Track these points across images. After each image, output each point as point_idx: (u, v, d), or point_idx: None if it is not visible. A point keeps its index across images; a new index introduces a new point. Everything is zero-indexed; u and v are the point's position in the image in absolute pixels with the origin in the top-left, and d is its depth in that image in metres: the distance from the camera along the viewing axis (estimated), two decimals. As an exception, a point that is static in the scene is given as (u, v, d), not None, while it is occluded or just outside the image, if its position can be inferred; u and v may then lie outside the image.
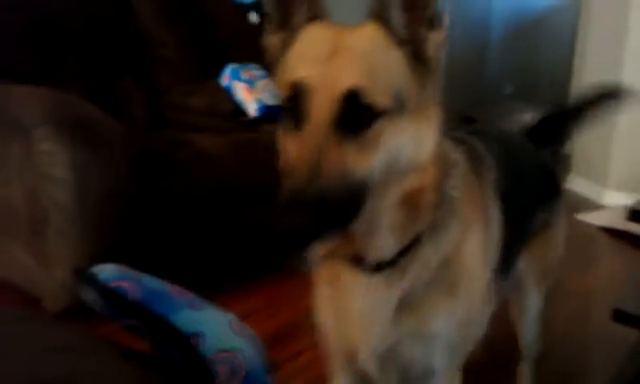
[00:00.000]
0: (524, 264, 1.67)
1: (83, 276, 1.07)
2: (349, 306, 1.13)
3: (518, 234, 1.48)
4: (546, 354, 2.41)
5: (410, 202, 1.01)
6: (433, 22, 0.98)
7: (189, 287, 1.18)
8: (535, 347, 1.96)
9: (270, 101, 3.40)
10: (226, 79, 3.51)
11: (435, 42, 0.99)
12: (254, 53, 3.98)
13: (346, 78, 0.91)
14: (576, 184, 5.23)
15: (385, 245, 1.03)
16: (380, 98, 0.91)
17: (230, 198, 2.81)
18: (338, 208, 0.88)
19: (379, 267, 1.06)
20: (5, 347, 0.84)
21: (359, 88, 0.90)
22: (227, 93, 3.45)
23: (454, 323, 1.12)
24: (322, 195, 0.86)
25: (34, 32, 2.98)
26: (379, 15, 0.97)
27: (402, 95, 0.94)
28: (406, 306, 1.09)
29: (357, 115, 0.90)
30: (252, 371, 1.01)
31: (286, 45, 1.03)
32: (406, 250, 1.05)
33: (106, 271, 1.08)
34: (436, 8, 0.98)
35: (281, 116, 0.98)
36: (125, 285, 1.04)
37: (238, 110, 3.38)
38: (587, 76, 5.31)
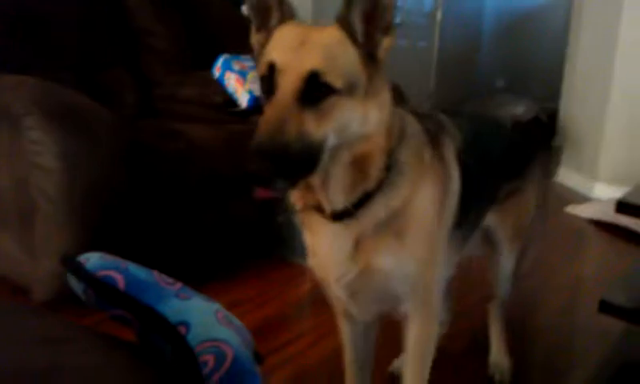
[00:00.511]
0: (496, 224, 1.95)
1: (70, 264, 1.07)
2: (320, 246, 1.42)
3: (482, 197, 1.77)
4: (533, 345, 2.44)
5: (358, 164, 1.27)
6: (387, 31, 1.24)
7: (178, 277, 1.18)
8: (507, 292, 2.16)
9: (260, 92, 3.39)
10: (218, 70, 3.50)
11: (386, 46, 1.25)
12: (245, 44, 3.98)
13: (309, 61, 1.16)
14: (566, 177, 5.26)
15: (336, 197, 1.30)
16: (335, 80, 1.16)
17: (220, 188, 2.80)
18: (296, 160, 1.13)
19: (337, 216, 1.32)
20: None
21: (319, 70, 1.15)
22: (219, 84, 3.45)
23: (403, 261, 1.39)
24: (282, 148, 1.11)
25: (23, 22, 2.96)
26: (343, 21, 1.23)
27: (352, 81, 1.20)
28: (360, 246, 1.36)
29: (315, 91, 1.15)
30: (237, 361, 1.01)
31: (265, 42, 1.28)
32: (360, 204, 1.31)
33: (93, 260, 1.07)
34: (390, 19, 1.23)
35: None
36: (112, 274, 1.04)
37: (230, 101, 3.38)
38: (579, 70, 5.32)
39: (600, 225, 4.06)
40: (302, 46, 1.19)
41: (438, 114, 1.65)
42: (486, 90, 8.61)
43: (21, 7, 2.97)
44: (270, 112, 1.16)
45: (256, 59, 1.33)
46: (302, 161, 1.15)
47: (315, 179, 1.27)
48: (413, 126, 1.43)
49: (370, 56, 1.24)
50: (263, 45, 1.29)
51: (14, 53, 2.90)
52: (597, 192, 4.76)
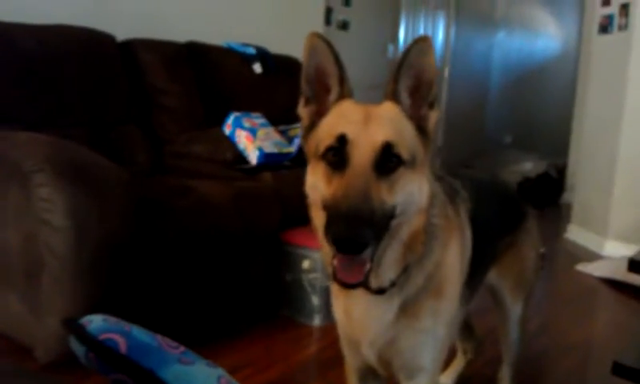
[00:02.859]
0: (496, 278, 2.00)
1: (71, 327, 1.06)
2: (355, 309, 1.43)
3: (486, 254, 1.84)
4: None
5: (411, 241, 1.32)
6: (432, 105, 1.33)
7: (182, 337, 1.17)
8: (515, 350, 2.19)
9: (269, 149, 3.42)
10: (228, 127, 3.54)
11: (433, 119, 1.33)
12: (256, 102, 4.08)
13: (382, 134, 1.23)
14: (576, 234, 5.22)
15: (386, 275, 1.33)
16: (404, 151, 1.23)
17: (228, 244, 2.80)
18: (379, 227, 1.18)
19: (380, 291, 1.35)
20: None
21: (392, 141, 1.22)
22: (230, 141, 3.48)
23: (439, 321, 1.44)
24: (370, 214, 1.15)
25: (35, 78, 3.01)
26: (393, 97, 1.31)
27: (414, 153, 1.27)
28: (404, 309, 1.39)
29: (388, 162, 1.22)
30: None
31: (318, 114, 1.35)
32: (404, 270, 1.34)
33: (96, 322, 1.06)
34: (434, 95, 1.32)
35: (320, 160, 1.28)
36: (114, 337, 1.03)
37: (240, 158, 3.40)
38: (587, 126, 5.34)
39: (611, 283, 4.01)
40: (370, 119, 1.26)
41: (447, 177, 1.70)
42: (494, 146, 8.66)
43: (33, 63, 3.01)
44: (351, 181, 1.19)
45: (304, 129, 1.40)
46: (382, 227, 1.20)
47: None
48: (435, 185, 1.45)
49: (420, 130, 1.32)
50: (313, 118, 1.36)
51: (26, 109, 2.95)
52: (607, 249, 4.72)
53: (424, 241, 1.35)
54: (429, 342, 1.46)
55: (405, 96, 1.32)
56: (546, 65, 8.70)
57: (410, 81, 1.32)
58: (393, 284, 1.35)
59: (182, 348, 1.11)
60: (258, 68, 4.24)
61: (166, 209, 2.60)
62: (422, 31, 7.43)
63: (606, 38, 4.99)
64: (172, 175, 3.31)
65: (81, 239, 2.15)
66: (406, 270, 1.35)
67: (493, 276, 1.98)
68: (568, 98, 6.98)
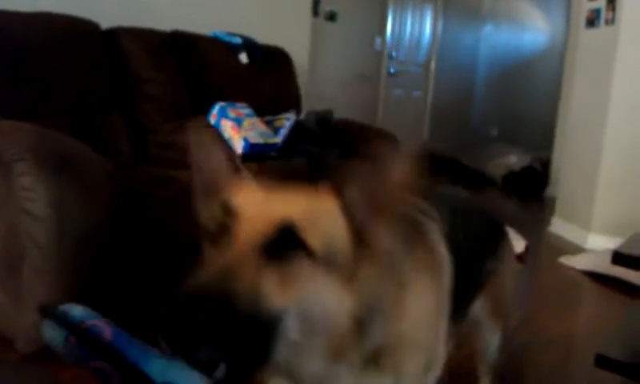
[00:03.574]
0: (478, 306, 1.75)
1: (51, 313, 1.04)
2: None
3: (470, 284, 1.55)
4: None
5: (330, 351, 0.98)
6: (388, 213, 0.99)
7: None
8: (494, 362, 2.02)
9: (255, 139, 3.41)
10: (214, 117, 3.52)
11: (383, 237, 0.99)
12: (242, 92, 4.05)
13: (284, 208, 0.93)
14: (560, 227, 5.25)
15: (314, 374, 1.01)
16: (312, 239, 0.91)
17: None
18: (242, 328, 0.83)
19: None
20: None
21: (295, 222, 0.91)
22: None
23: (408, 376, 1.13)
24: (226, 298, 0.81)
25: (18, 67, 2.98)
26: (338, 189, 0.99)
27: (335, 255, 0.94)
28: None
29: (285, 246, 0.90)
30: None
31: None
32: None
33: (77, 309, 1.05)
34: (393, 209, 1.00)
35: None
36: (99, 324, 1.02)
37: (225, 148, 3.38)
38: (572, 120, 5.36)
39: (594, 276, 4.03)
40: (276, 194, 0.98)
41: (414, 202, 1.35)
42: (480, 139, 8.71)
43: (15, 51, 2.97)
44: (219, 255, 0.90)
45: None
46: (250, 334, 0.84)
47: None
48: (382, 241, 1.05)
49: (361, 240, 0.98)
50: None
51: (8, 98, 2.91)
52: (590, 242, 4.75)
53: (359, 341, 1.01)
54: None
55: (356, 200, 0.99)
56: (532, 59, 8.75)
57: (367, 188, 0.98)
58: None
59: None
60: (244, 58, 4.21)
61: (148, 199, 2.58)
62: (409, 24, 7.43)
63: (592, 31, 5.00)
64: (156, 165, 3.28)
65: (62, 229, 2.12)
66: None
67: (478, 305, 1.75)
68: (554, 92, 7.02)
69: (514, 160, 7.58)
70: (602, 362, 2.07)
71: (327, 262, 0.92)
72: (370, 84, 6.88)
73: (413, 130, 7.51)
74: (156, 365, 0.99)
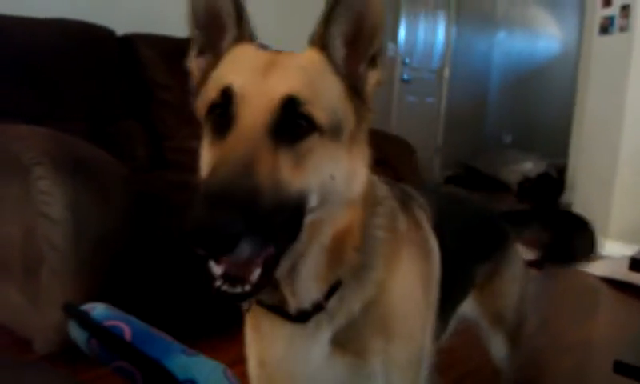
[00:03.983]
0: (474, 310, 1.68)
1: (74, 313, 1.04)
2: (272, 356, 1.07)
3: (458, 281, 1.47)
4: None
5: (337, 244, 0.97)
6: (374, 61, 0.99)
7: (179, 332, 1.15)
8: (511, 375, 1.93)
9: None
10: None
11: (373, 79, 0.99)
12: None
13: (286, 84, 0.88)
14: (576, 234, 5.19)
15: (307, 291, 0.98)
16: (318, 112, 0.89)
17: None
18: (271, 218, 0.80)
19: (303, 316, 1.00)
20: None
21: (299, 95, 0.88)
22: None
23: (392, 365, 1.07)
24: (250, 193, 0.78)
25: (36, 72, 3.01)
26: (319, 42, 0.97)
27: (339, 120, 0.93)
28: (340, 345, 1.04)
29: (294, 124, 0.87)
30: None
31: (212, 66, 1.02)
32: (329, 294, 1.00)
33: (99, 309, 1.05)
34: (377, 48, 0.99)
35: (206, 123, 0.96)
36: (119, 324, 1.01)
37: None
38: (587, 126, 5.33)
39: (611, 282, 3.99)
40: (273, 66, 0.92)
41: (405, 186, 1.36)
42: (494, 146, 8.67)
43: (32, 57, 3.01)
44: (232, 148, 0.84)
45: (195, 90, 1.06)
46: (277, 221, 0.82)
47: (281, 267, 0.93)
48: (382, 188, 1.13)
49: (355, 92, 0.98)
50: (207, 71, 1.02)
51: (25, 103, 2.94)
52: (607, 249, 4.70)
53: (359, 247, 1.00)
54: None
55: (338, 45, 0.97)
56: (546, 65, 8.71)
57: (347, 26, 0.97)
58: (319, 308, 1.00)
59: (179, 344, 1.09)
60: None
61: (165, 203, 2.58)
62: (421, 30, 7.42)
63: (606, 39, 4.98)
64: (172, 170, 3.29)
65: (79, 232, 2.13)
66: (336, 290, 1.01)
67: (470, 309, 1.67)
68: (568, 99, 6.98)
69: (530, 166, 7.55)
70: (621, 368, 2.04)
71: (334, 130, 0.92)
72: (383, 90, 6.87)
73: (426, 136, 7.49)
74: (178, 361, 0.99)
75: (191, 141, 3.45)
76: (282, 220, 0.84)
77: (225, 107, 0.89)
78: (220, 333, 2.63)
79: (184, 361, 1.00)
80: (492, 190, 7.41)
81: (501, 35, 9.03)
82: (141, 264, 2.42)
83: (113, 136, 3.26)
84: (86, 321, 1.03)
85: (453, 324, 1.58)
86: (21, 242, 2.25)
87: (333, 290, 1.00)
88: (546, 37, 8.84)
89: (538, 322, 3.17)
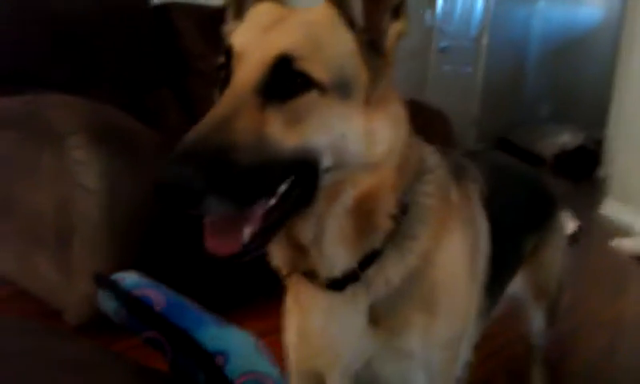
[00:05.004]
0: (519, 284, 1.65)
1: (104, 282, 1.05)
2: (311, 326, 1.06)
3: (508, 251, 1.43)
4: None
5: (364, 208, 0.93)
6: (397, 12, 0.93)
7: (210, 302, 1.15)
8: (541, 352, 1.96)
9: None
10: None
11: (396, 32, 0.94)
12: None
13: (282, 40, 0.86)
14: (612, 209, 5.11)
15: (335, 257, 0.95)
16: (316, 69, 0.85)
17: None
18: (250, 174, 0.79)
19: (336, 284, 0.98)
20: (16, 360, 0.83)
21: (292, 53, 0.85)
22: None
23: (432, 344, 1.04)
24: (222, 148, 0.77)
25: (69, 40, 3.02)
26: None
27: (347, 78, 0.89)
28: (378, 318, 1.01)
29: (287, 82, 0.85)
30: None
31: None
32: (367, 264, 0.97)
33: (130, 278, 1.05)
34: None
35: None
36: (149, 294, 1.02)
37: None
38: (628, 98, 5.19)
39: (646, 261, 3.93)
40: (275, 24, 0.90)
41: (457, 155, 1.34)
42: (531, 117, 8.51)
43: (66, 25, 3.02)
44: (216, 107, 0.85)
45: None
46: (263, 179, 0.82)
47: (305, 229, 0.93)
48: (433, 157, 1.09)
49: (373, 47, 0.94)
50: None
51: (58, 71, 2.96)
52: (645, 225, 4.61)
53: (391, 213, 0.96)
54: (419, 374, 1.05)
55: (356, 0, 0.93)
56: (587, 34, 8.48)
57: None
58: (354, 277, 0.97)
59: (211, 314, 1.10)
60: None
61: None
62: (460, -3, 7.25)
63: (653, 6, 4.82)
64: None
65: (113, 202, 2.15)
66: (374, 259, 0.97)
67: (516, 283, 1.63)
68: (608, 69, 6.79)
69: (567, 139, 7.40)
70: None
71: (339, 87, 0.88)
72: (418, 60, 6.76)
73: (462, 107, 7.35)
74: (208, 332, 0.99)
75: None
76: (272, 178, 0.83)
77: (227, 67, 0.90)
78: (251, 304, 2.66)
79: (215, 332, 1.00)
80: (527, 162, 7.29)
81: (541, 2, 8.80)
82: (173, 234, 2.43)
83: (147, 105, 3.27)
84: (116, 290, 1.04)
85: (502, 303, 1.54)
86: (53, 212, 2.26)
87: (370, 258, 0.97)
88: (589, 4, 8.59)
89: (572, 299, 3.14)
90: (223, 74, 0.91)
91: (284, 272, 1.04)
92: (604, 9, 8.38)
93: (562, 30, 8.71)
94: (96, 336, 1.73)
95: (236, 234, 0.83)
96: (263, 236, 0.85)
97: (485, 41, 7.66)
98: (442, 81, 7.05)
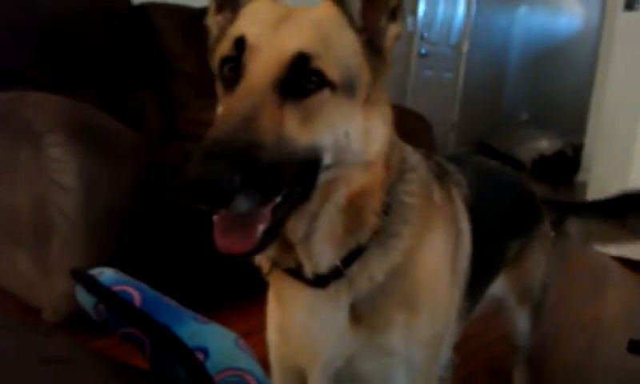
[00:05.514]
0: (502, 287, 1.66)
1: (81, 277, 1.03)
2: (292, 323, 1.07)
3: (491, 254, 1.45)
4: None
5: (354, 206, 0.95)
6: (394, 14, 0.96)
7: (191, 302, 1.13)
8: (528, 343, 1.94)
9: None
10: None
11: (393, 34, 0.96)
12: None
13: (297, 39, 0.87)
14: (591, 213, 5.15)
15: (323, 254, 0.97)
16: (330, 68, 0.87)
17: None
18: (273, 173, 0.80)
19: (321, 280, 0.99)
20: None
21: (310, 51, 0.86)
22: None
23: (414, 341, 1.05)
24: (251, 146, 0.77)
25: (52, 41, 2.99)
26: None
27: (352, 77, 0.91)
28: (360, 315, 1.02)
29: (303, 80, 0.86)
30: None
31: (230, 22, 0.99)
32: (350, 260, 0.98)
33: (108, 274, 1.03)
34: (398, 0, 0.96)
35: (218, 78, 0.95)
36: (128, 289, 1.00)
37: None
38: (607, 104, 5.24)
39: (624, 262, 3.96)
40: (287, 20, 0.90)
41: (441, 159, 1.34)
42: (511, 123, 8.60)
43: (47, 25, 2.99)
44: (235, 102, 0.84)
45: (212, 48, 1.03)
46: (281, 177, 0.82)
47: (295, 227, 0.94)
48: (414, 156, 1.10)
49: (372, 47, 0.95)
50: (225, 27, 1.00)
51: (39, 70, 2.92)
52: (623, 229, 4.66)
53: (378, 211, 0.97)
54: (400, 372, 1.06)
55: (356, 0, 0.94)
56: (566, 42, 8.60)
57: None
58: (337, 273, 0.98)
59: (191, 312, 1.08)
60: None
61: (177, 174, 2.57)
62: (441, 4, 7.30)
63: (631, 15, 4.87)
64: (186, 141, 3.28)
65: (91, 201, 2.12)
66: (357, 256, 0.99)
67: (499, 287, 1.64)
68: (587, 77, 6.89)
69: (546, 144, 7.47)
70: (636, 347, 2.03)
71: (347, 87, 0.89)
72: (400, 64, 6.79)
73: (442, 112, 7.41)
74: (188, 328, 0.97)
75: (205, 112, 3.44)
76: (287, 176, 0.84)
77: (237, 60, 0.89)
78: (232, 304, 2.64)
79: (195, 328, 0.98)
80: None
81: (522, 10, 8.91)
82: (151, 234, 2.41)
83: (127, 106, 3.24)
84: (94, 285, 1.01)
85: (483, 304, 1.57)
86: (31, 210, 2.24)
87: (354, 255, 0.98)
88: (568, 13, 8.70)
89: (553, 299, 3.15)
90: (230, 65, 0.91)
91: (266, 269, 1.05)
92: (583, 18, 8.50)
93: (542, 38, 8.82)
94: (74, 334, 1.70)
95: (249, 232, 0.83)
96: (272, 233, 0.86)
97: (465, 47, 7.73)
98: (422, 86, 7.10)
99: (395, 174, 1.02)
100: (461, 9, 7.63)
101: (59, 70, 3.01)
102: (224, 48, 0.92)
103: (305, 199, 0.90)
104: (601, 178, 5.17)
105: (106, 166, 2.18)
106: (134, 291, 1.02)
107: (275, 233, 0.87)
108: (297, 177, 0.86)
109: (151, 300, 1.02)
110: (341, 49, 0.91)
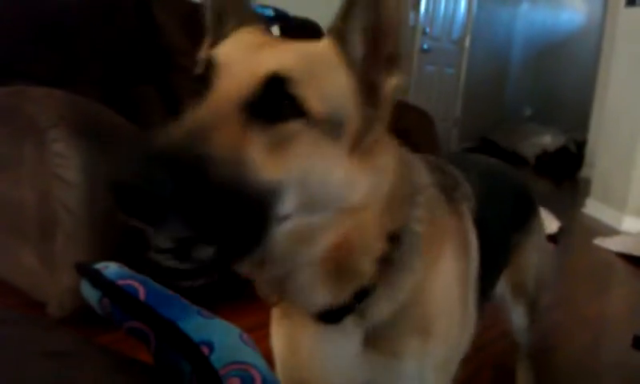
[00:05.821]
0: (500, 283, 1.65)
1: (86, 271, 1.03)
2: (303, 344, 1.01)
3: (497, 258, 1.46)
4: (562, 381, 2.35)
5: (340, 253, 0.86)
6: (392, 63, 0.87)
7: (194, 297, 1.13)
8: (526, 348, 1.98)
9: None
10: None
11: (393, 86, 0.87)
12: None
13: (275, 60, 0.79)
14: (594, 209, 5.16)
15: (312, 298, 0.90)
16: (311, 97, 0.77)
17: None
18: (219, 198, 0.69)
19: (330, 316, 0.93)
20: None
21: (289, 75, 0.77)
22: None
23: (428, 368, 1.02)
24: (197, 159, 0.67)
25: (52, 34, 2.98)
26: (337, 34, 0.86)
27: (339, 115, 0.81)
28: (371, 342, 0.97)
29: (276, 104, 0.76)
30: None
31: None
32: (362, 297, 0.92)
33: (112, 268, 1.03)
34: (397, 49, 0.86)
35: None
36: (133, 283, 1.00)
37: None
38: (610, 100, 5.24)
39: (628, 258, 3.96)
40: (270, 46, 0.84)
41: (448, 166, 1.28)
42: (514, 118, 8.59)
43: (50, 19, 2.98)
44: (191, 115, 0.75)
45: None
46: (230, 207, 0.71)
47: (268, 272, 0.87)
48: (421, 174, 1.04)
49: (369, 92, 0.87)
50: None
51: (41, 65, 2.91)
52: (625, 225, 4.66)
53: (377, 258, 0.90)
54: None
55: (357, 41, 0.86)
56: (569, 38, 8.57)
57: (365, 22, 0.85)
58: (348, 309, 0.93)
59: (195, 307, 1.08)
60: (276, 30, 4.17)
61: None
62: (443, -1, 7.29)
63: (633, 10, 4.87)
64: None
65: (94, 195, 2.12)
66: (367, 293, 0.93)
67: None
68: (590, 72, 6.88)
69: (549, 140, 7.47)
70: (640, 343, 2.03)
71: (330, 125, 0.80)
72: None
73: (445, 108, 7.41)
74: (193, 322, 0.97)
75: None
76: (240, 208, 0.72)
77: (205, 77, 0.81)
78: (236, 300, 2.63)
79: (200, 322, 0.97)
80: (509, 163, 7.35)
81: (524, 6, 8.89)
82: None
83: (129, 101, 3.24)
84: (98, 279, 1.01)
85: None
86: (35, 205, 2.24)
87: (364, 293, 0.92)
88: (570, 9, 8.68)
89: (556, 295, 3.15)
90: (200, 80, 0.83)
91: (272, 301, 1.00)
92: (586, 13, 8.48)
93: (545, 34, 8.80)
94: (80, 328, 1.69)
95: (192, 252, 0.77)
96: (220, 266, 0.80)
97: (467, 43, 7.71)
98: (424, 81, 7.08)
99: (405, 204, 0.95)
100: (463, 4, 7.61)
101: (60, 64, 3.00)
102: (197, 70, 0.85)
103: (255, 246, 0.79)
104: (604, 174, 5.17)
105: (109, 160, 2.18)
106: (139, 285, 1.01)
107: (226, 268, 0.80)
108: (245, 218, 0.75)
109: (156, 294, 1.02)
110: (329, 85, 0.82)
